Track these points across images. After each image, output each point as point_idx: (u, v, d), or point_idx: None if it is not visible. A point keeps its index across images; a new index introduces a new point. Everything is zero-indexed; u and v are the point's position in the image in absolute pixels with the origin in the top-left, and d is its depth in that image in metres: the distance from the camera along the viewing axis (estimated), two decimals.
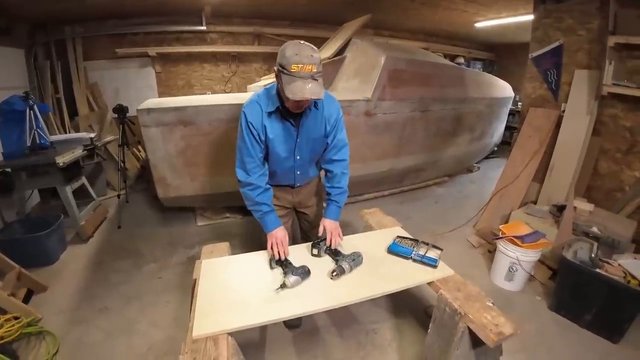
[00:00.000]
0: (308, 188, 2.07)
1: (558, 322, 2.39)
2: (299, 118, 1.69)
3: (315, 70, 1.43)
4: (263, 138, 1.69)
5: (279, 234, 1.77)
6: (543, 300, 2.60)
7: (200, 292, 1.53)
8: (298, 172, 1.90)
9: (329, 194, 1.94)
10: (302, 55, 1.41)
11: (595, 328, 2.27)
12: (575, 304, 2.35)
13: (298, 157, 1.82)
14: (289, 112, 1.64)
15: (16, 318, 2.11)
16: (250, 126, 1.66)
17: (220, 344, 1.27)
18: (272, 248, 1.75)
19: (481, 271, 2.97)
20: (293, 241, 2.23)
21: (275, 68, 1.52)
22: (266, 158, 1.81)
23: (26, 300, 2.44)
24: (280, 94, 1.62)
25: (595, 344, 2.20)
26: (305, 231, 2.27)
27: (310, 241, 1.94)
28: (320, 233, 1.88)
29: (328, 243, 1.82)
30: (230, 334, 1.34)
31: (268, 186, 1.83)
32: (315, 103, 1.70)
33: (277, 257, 1.73)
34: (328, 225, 1.85)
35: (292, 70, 1.40)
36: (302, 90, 1.41)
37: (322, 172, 2.08)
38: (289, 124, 1.70)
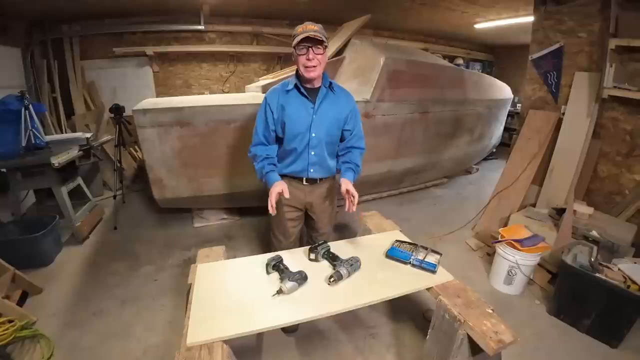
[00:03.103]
0: (321, 189, 2.07)
1: (557, 326, 2.38)
2: (316, 96, 1.86)
3: (317, 29, 1.68)
4: (276, 116, 1.86)
5: (276, 188, 1.77)
6: (542, 304, 2.59)
7: (195, 298, 1.51)
8: (312, 153, 1.91)
9: (346, 162, 1.99)
10: (304, 24, 1.72)
11: (595, 333, 2.25)
12: (574, 309, 2.34)
13: (314, 135, 1.87)
14: (307, 90, 1.85)
15: (10, 321, 2.08)
16: (267, 106, 1.87)
17: (215, 352, 1.25)
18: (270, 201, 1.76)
19: (480, 274, 2.95)
20: (300, 244, 2.25)
21: (292, 49, 1.76)
22: (282, 141, 1.93)
23: (21, 302, 2.41)
24: (298, 74, 1.85)
25: (595, 348, 2.19)
26: (312, 236, 2.27)
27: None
28: (344, 191, 1.83)
29: (348, 207, 1.82)
30: (225, 341, 1.32)
31: (267, 155, 1.91)
32: (330, 85, 1.90)
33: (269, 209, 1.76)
34: (350, 187, 1.82)
35: (299, 31, 1.69)
36: (308, 32, 1.66)
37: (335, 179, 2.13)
38: (307, 100, 1.85)
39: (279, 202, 2.04)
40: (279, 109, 1.84)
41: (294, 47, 1.72)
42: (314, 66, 1.75)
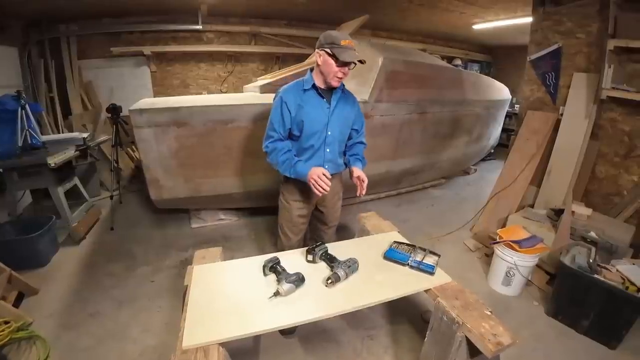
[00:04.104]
0: (332, 184, 2.08)
1: (555, 327, 2.37)
2: (331, 97, 1.95)
3: (354, 45, 1.81)
4: (294, 115, 1.89)
5: (317, 171, 1.82)
6: (540, 305, 2.59)
7: (191, 300, 1.49)
8: (328, 150, 2.00)
9: (354, 155, 2.15)
10: (345, 36, 1.81)
11: (593, 334, 2.25)
12: (572, 310, 2.34)
13: (329, 133, 1.97)
14: (324, 90, 1.93)
15: (6, 322, 2.06)
16: (284, 104, 1.89)
17: (211, 354, 1.24)
18: (315, 187, 1.81)
19: (478, 275, 2.95)
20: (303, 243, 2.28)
21: (321, 50, 1.80)
22: (297, 139, 1.98)
23: (17, 303, 2.39)
24: (322, 73, 1.86)
25: (593, 350, 2.18)
26: (318, 230, 2.31)
27: (320, 240, 2.00)
28: (356, 177, 2.00)
29: (359, 191, 1.99)
30: (221, 343, 1.31)
31: (289, 148, 1.96)
32: (343, 86, 2.01)
33: (319, 193, 1.80)
34: (360, 173, 2.01)
35: (343, 44, 1.76)
36: (354, 56, 1.77)
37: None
38: (324, 100, 1.94)
39: (290, 200, 2.11)
40: (296, 108, 1.89)
41: (332, 56, 1.76)
42: (341, 78, 1.87)
